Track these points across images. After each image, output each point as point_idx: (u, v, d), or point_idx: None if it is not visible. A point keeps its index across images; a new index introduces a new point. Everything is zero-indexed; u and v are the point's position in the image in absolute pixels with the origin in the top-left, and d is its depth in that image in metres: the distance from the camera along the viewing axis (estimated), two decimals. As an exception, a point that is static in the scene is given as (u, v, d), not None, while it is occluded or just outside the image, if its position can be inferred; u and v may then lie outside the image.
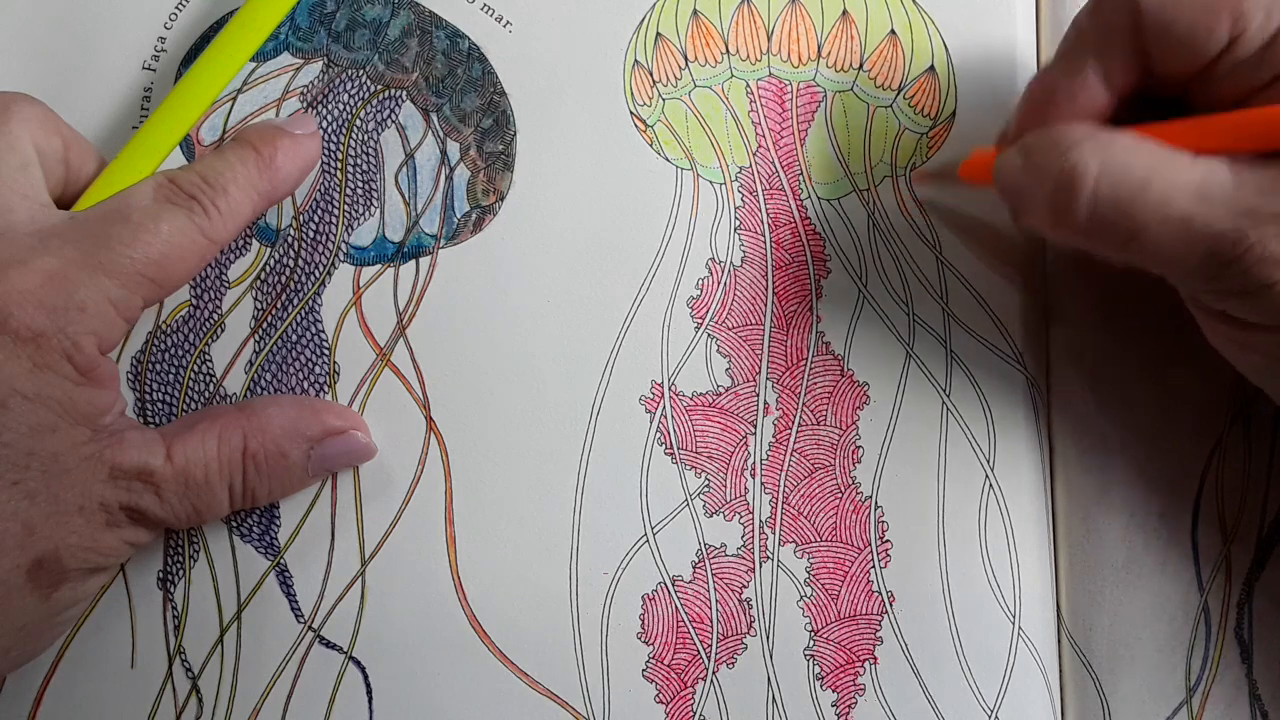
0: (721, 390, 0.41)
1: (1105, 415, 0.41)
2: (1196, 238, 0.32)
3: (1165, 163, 0.32)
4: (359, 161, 0.41)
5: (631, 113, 0.42)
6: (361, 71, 0.42)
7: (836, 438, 0.41)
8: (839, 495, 0.40)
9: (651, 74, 0.43)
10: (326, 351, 0.40)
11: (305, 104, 0.42)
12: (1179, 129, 0.33)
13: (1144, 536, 0.40)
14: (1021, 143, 0.36)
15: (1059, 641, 0.40)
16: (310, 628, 0.39)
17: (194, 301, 0.40)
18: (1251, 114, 0.32)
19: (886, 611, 0.40)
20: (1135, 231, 0.33)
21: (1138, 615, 0.40)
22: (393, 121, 0.42)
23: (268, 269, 0.41)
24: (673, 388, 0.41)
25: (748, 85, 0.43)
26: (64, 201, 0.37)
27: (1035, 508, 0.40)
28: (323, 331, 0.40)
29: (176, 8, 0.42)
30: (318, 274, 0.41)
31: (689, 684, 0.39)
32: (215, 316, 0.40)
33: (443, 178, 0.42)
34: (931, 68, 0.43)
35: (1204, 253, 0.32)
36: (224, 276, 0.41)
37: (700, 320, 0.41)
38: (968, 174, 0.40)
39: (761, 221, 0.42)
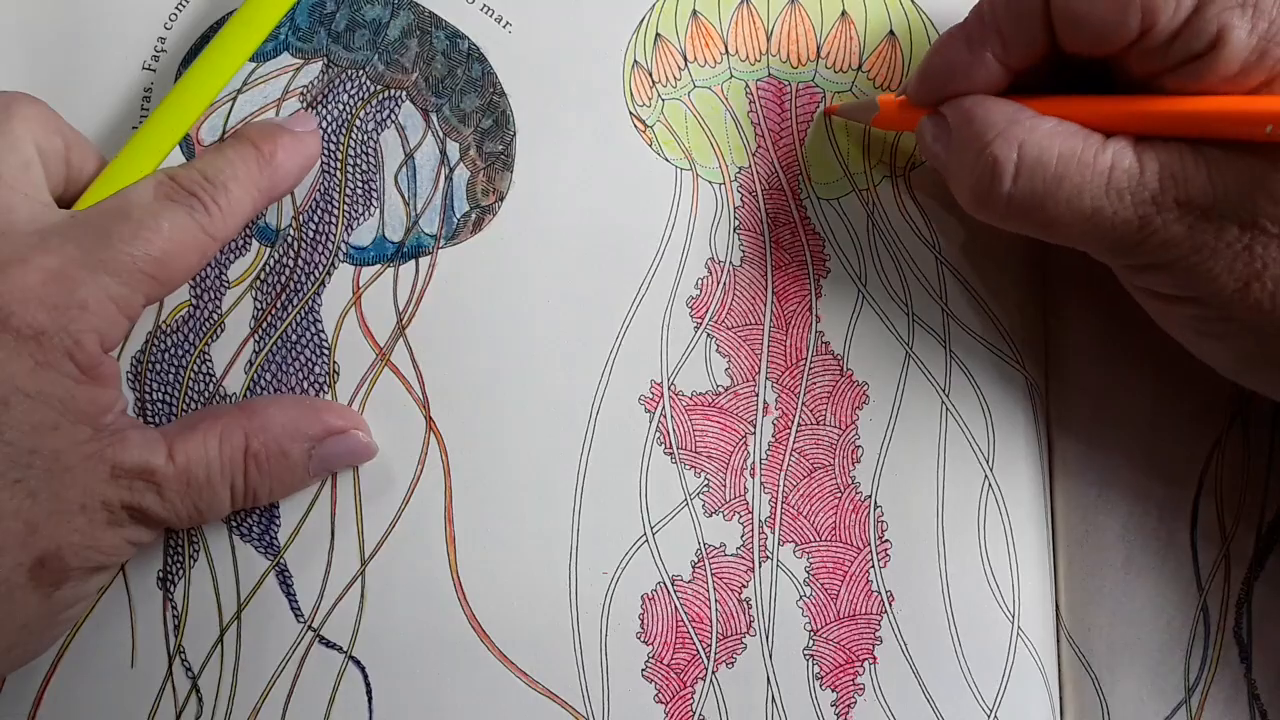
0: (721, 390, 0.41)
1: (1104, 415, 0.41)
2: (1105, 226, 0.34)
3: (1078, 152, 0.34)
4: (359, 161, 0.41)
5: (631, 113, 0.42)
6: (361, 72, 0.42)
7: (836, 437, 0.41)
8: (838, 495, 0.40)
9: (651, 74, 0.43)
10: (326, 351, 0.40)
11: (305, 104, 0.42)
12: (1091, 107, 0.35)
13: (1143, 536, 0.40)
14: (946, 115, 0.37)
15: (1058, 641, 0.40)
16: (310, 627, 0.39)
17: (194, 301, 0.40)
18: (1157, 103, 0.34)
19: (886, 611, 0.40)
20: (1050, 221, 0.35)
21: (1136, 615, 0.40)
22: (392, 122, 0.42)
23: (267, 269, 0.41)
24: (672, 387, 0.41)
25: (747, 86, 0.43)
26: (65, 200, 0.37)
27: (1034, 508, 0.40)
28: (322, 331, 0.40)
29: (176, 8, 0.42)
30: (317, 274, 0.41)
31: (688, 684, 0.39)
32: (215, 316, 0.40)
33: (442, 178, 0.42)
34: (931, 68, 0.43)
35: (1113, 239, 0.34)
36: (224, 276, 0.41)
37: (700, 320, 0.41)
38: (880, 124, 0.41)
39: (761, 221, 0.42)
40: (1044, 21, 0.34)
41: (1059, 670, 0.40)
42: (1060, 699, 0.40)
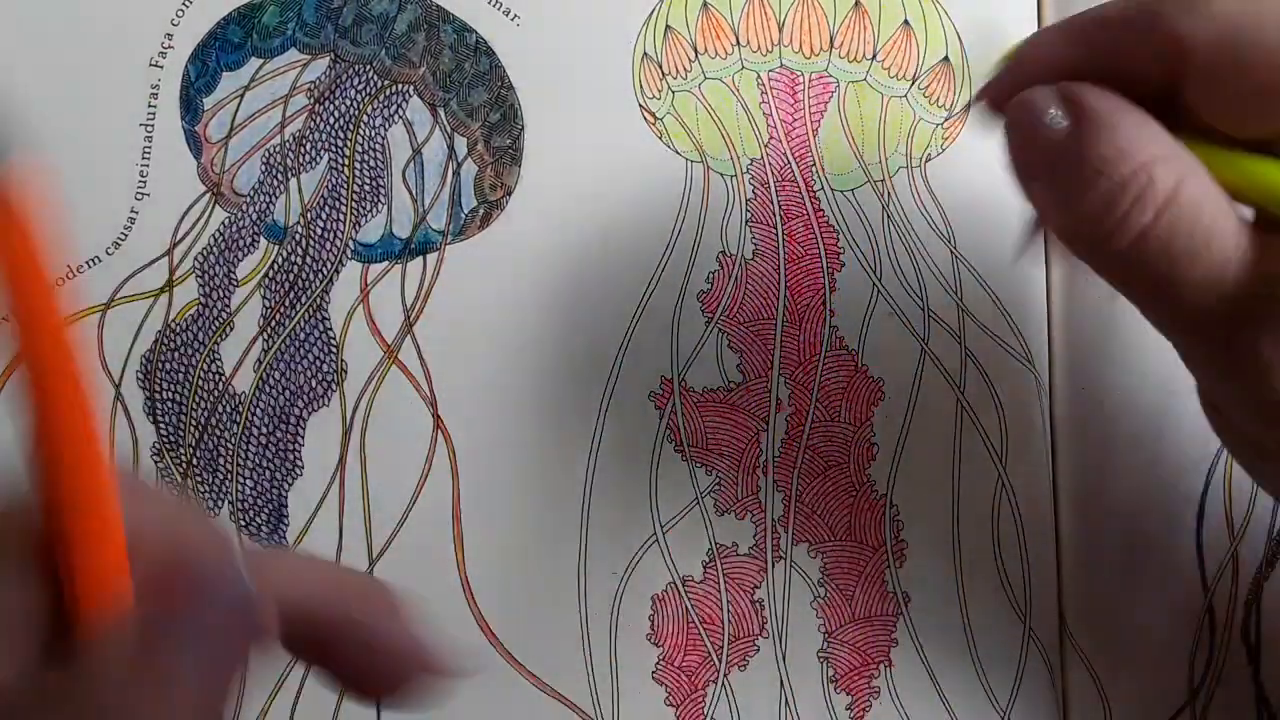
0: (732, 386, 0.40)
1: (1109, 413, 0.40)
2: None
3: (1225, 223, 0.26)
4: (366, 158, 0.41)
5: (640, 105, 0.42)
6: (368, 66, 0.42)
7: (850, 434, 0.40)
8: (853, 493, 0.40)
9: (661, 66, 0.42)
10: (334, 349, 0.40)
11: (313, 100, 0.41)
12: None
13: (1147, 536, 0.40)
14: (1067, 107, 0.27)
15: (1061, 641, 0.40)
16: (320, 628, 0.39)
17: (202, 300, 0.40)
18: None
19: (901, 613, 0.39)
20: (1171, 286, 0.26)
21: (1140, 616, 0.39)
22: (400, 117, 0.42)
23: (275, 267, 0.41)
24: (683, 383, 0.40)
25: (759, 77, 0.42)
26: None
27: (1045, 507, 0.40)
28: (330, 329, 0.40)
29: (184, 3, 0.42)
30: (325, 271, 0.41)
31: (700, 686, 0.39)
32: (224, 315, 0.40)
33: (450, 173, 0.41)
34: (946, 58, 0.42)
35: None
36: (232, 274, 0.40)
37: (711, 314, 0.41)
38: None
39: (773, 214, 0.42)
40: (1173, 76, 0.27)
41: (1062, 671, 0.39)
42: (1064, 701, 0.39)
